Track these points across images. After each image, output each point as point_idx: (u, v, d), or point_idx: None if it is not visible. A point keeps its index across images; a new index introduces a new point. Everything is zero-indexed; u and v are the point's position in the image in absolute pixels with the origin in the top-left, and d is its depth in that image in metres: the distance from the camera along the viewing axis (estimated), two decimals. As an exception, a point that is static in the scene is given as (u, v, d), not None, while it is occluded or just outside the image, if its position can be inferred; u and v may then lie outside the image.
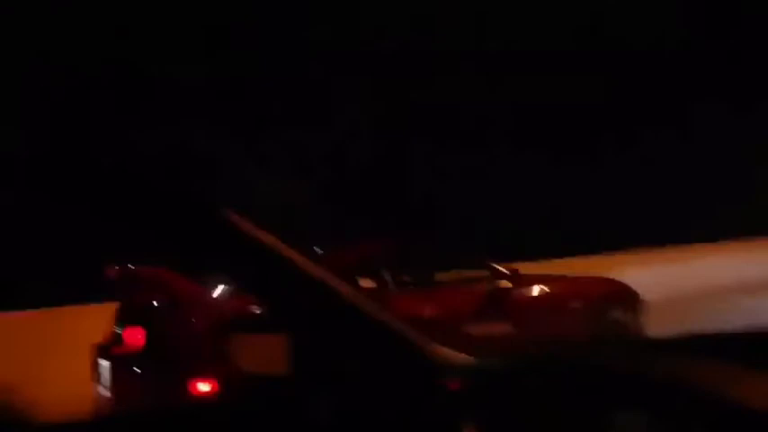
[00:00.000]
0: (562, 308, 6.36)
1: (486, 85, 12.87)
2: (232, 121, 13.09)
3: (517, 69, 12.79)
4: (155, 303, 5.92)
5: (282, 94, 13.84)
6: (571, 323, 6.24)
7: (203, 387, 5.10)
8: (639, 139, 13.05)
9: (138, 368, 5.80)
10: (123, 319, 6.16)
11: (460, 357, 1.72)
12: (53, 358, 7.50)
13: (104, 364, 6.05)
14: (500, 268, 6.50)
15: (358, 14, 13.17)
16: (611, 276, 7.19)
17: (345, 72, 13.58)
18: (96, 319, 6.66)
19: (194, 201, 1.75)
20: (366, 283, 6.34)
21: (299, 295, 1.65)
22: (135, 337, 5.94)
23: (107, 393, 5.91)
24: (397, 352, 1.63)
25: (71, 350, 7.05)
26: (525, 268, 6.86)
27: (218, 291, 5.78)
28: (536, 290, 6.48)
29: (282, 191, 11.29)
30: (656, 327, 6.45)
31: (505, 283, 6.41)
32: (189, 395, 5.24)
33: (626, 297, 6.54)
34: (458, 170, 13.63)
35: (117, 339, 6.09)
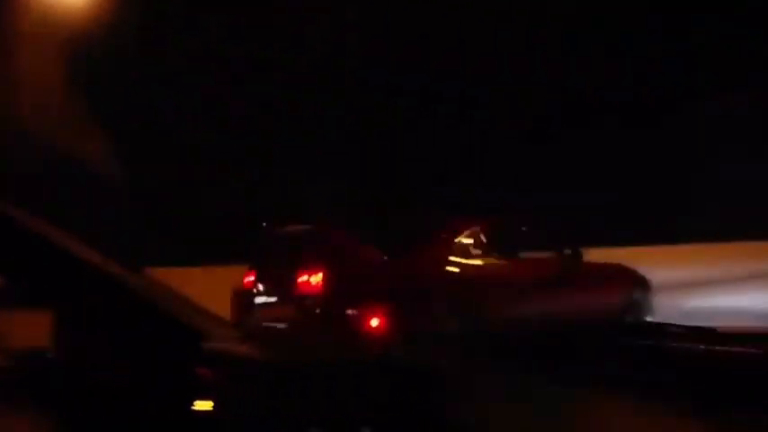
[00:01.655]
0: (605, 285, 8.61)
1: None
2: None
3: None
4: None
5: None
6: (608, 299, 8.51)
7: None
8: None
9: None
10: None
11: (232, 347, 1.91)
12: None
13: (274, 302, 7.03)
14: (566, 251, 8.53)
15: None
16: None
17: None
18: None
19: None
20: (475, 252, 7.99)
21: (60, 272, 1.71)
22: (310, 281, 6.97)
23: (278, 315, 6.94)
24: (156, 332, 1.68)
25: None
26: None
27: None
28: (588, 270, 8.63)
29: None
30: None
31: (568, 263, 8.48)
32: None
33: (644, 282, 9.03)
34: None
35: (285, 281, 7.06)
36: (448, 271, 7.60)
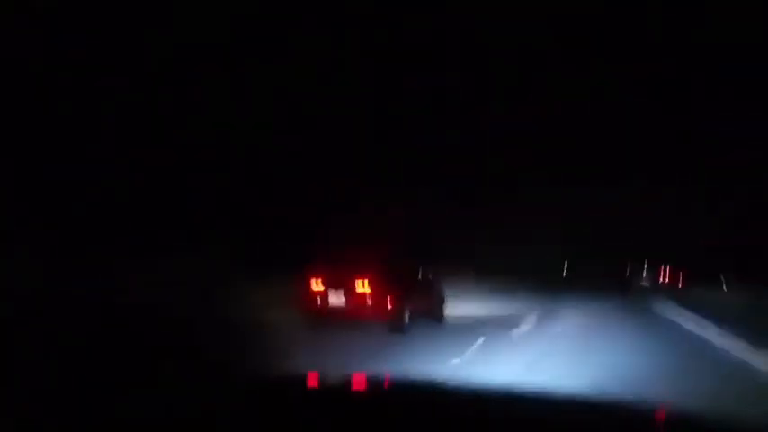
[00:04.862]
0: (437, 292, 16.74)
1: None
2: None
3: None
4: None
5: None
6: (437, 300, 16.70)
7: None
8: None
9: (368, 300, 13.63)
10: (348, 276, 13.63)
11: None
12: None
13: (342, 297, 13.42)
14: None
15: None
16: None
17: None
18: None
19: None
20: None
21: None
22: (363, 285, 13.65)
23: (345, 305, 13.38)
24: None
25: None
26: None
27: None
28: (432, 281, 16.59)
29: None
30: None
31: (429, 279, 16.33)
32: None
33: (444, 290, 17.37)
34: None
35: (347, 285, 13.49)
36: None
